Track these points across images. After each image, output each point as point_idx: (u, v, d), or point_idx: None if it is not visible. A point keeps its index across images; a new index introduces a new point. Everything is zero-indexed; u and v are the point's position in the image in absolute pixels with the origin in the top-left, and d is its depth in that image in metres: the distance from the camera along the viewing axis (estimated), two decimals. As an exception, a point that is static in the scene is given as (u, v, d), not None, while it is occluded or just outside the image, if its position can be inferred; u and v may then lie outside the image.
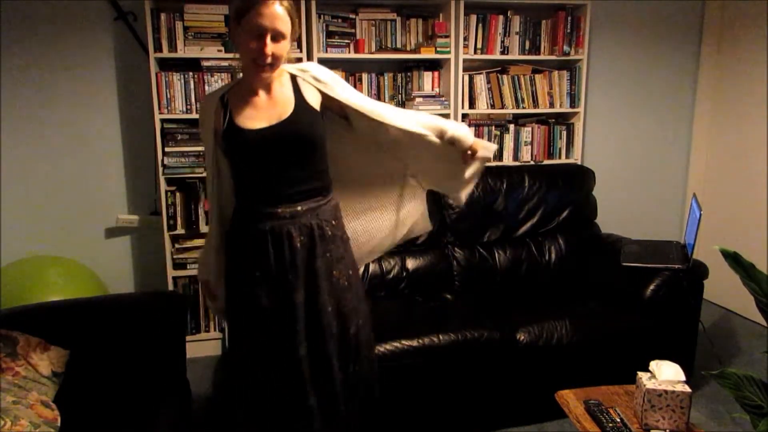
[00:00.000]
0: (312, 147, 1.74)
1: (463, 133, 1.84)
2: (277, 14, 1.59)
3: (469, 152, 1.85)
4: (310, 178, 1.75)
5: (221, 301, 1.89)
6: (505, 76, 3.39)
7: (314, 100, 1.75)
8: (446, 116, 3.31)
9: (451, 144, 1.84)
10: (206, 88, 2.97)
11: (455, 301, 2.80)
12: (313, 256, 1.74)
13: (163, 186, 2.98)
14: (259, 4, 1.57)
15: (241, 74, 1.76)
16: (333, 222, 1.80)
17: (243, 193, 1.77)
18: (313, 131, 1.73)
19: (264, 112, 1.70)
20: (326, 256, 1.77)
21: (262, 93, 1.72)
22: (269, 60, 1.62)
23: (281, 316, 1.73)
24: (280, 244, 1.71)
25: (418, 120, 1.84)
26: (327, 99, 1.77)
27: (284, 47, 1.64)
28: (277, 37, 1.61)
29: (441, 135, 1.83)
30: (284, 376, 1.75)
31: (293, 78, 1.76)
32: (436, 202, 2.97)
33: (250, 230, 1.73)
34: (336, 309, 1.78)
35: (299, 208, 1.73)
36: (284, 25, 1.61)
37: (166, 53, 2.91)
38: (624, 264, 2.69)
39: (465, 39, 3.28)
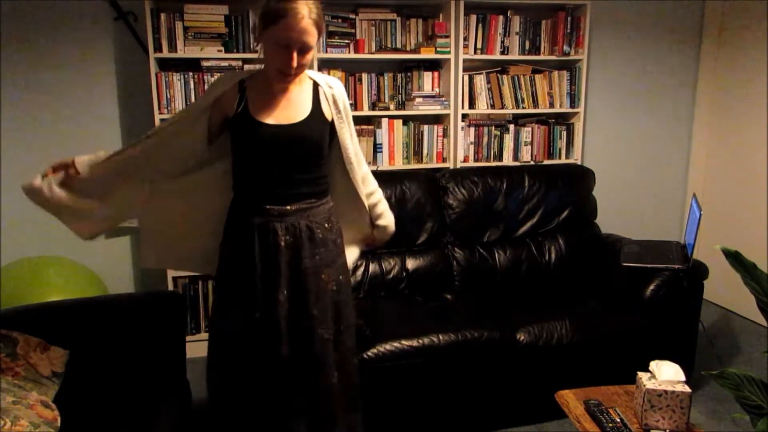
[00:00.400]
0: (317, 154, 1.77)
1: (389, 230, 2.07)
2: (306, 29, 1.59)
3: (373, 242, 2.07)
4: (306, 182, 1.77)
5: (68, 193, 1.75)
6: (505, 76, 3.39)
7: (327, 113, 1.78)
8: (446, 116, 3.32)
9: (373, 226, 2.01)
10: (206, 88, 2.97)
11: (455, 301, 2.80)
12: (299, 256, 1.75)
13: (163, 186, 2.98)
14: (289, 18, 1.57)
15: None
16: (326, 225, 1.81)
17: (240, 184, 1.79)
18: (321, 140, 1.76)
19: (280, 110, 1.72)
20: (315, 259, 1.77)
21: (280, 90, 1.74)
22: (293, 71, 1.64)
23: (264, 314, 1.74)
24: (266, 240, 1.73)
25: (372, 194, 1.98)
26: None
27: (309, 58, 1.66)
28: (304, 49, 1.62)
29: (376, 217, 1.99)
30: (267, 375, 1.76)
31: (315, 85, 1.78)
32: (436, 202, 2.98)
33: (241, 222, 1.76)
34: (322, 314, 1.78)
35: (288, 207, 1.74)
36: (311, 38, 1.62)
37: (166, 53, 2.91)
38: (624, 264, 2.69)
39: (465, 39, 3.28)
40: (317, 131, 1.75)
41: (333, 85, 1.80)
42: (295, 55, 1.60)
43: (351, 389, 1.89)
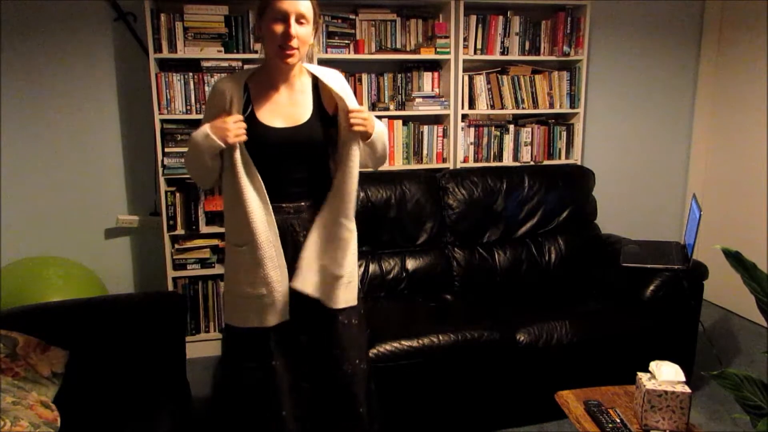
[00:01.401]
0: (323, 151, 1.80)
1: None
2: (301, 2, 1.63)
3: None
4: (315, 178, 1.80)
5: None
6: (504, 77, 3.39)
7: (329, 105, 1.79)
8: (446, 117, 3.32)
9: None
10: (206, 88, 2.97)
11: (455, 302, 2.80)
12: None
13: (162, 186, 2.98)
14: None
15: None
16: None
17: None
18: (327, 138, 1.78)
19: (284, 111, 1.73)
20: None
21: (283, 89, 1.75)
22: (294, 42, 1.64)
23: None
24: (284, 237, 1.75)
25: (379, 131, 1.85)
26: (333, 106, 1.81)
27: (308, 32, 1.68)
28: (300, 19, 1.65)
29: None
30: (283, 368, 1.78)
31: (314, 80, 1.79)
32: (436, 203, 2.98)
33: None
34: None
35: (303, 203, 1.77)
36: (306, 8, 1.65)
37: (166, 54, 2.91)
38: (624, 264, 2.69)
39: (465, 39, 3.28)
40: (322, 129, 1.77)
41: (327, 74, 1.80)
42: (292, 22, 1.62)
43: (368, 380, 1.93)
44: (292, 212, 1.76)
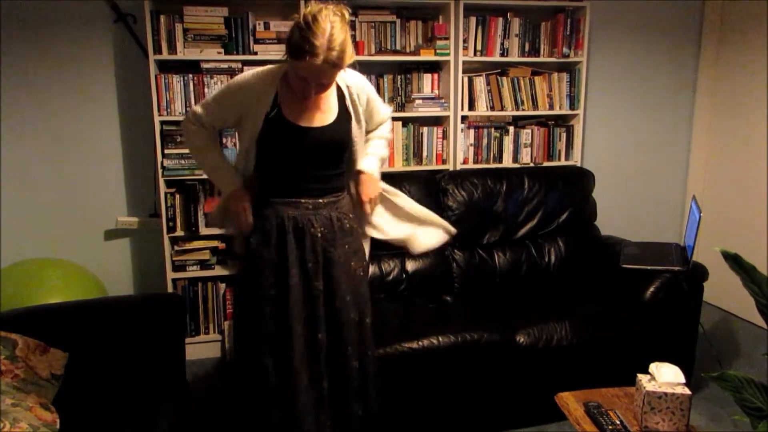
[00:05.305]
0: (345, 152, 1.89)
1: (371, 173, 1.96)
2: (323, 71, 1.66)
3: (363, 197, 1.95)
4: (334, 177, 1.88)
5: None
6: (504, 78, 3.39)
7: (352, 109, 1.87)
8: (446, 118, 3.32)
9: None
10: (206, 90, 2.97)
11: (455, 303, 2.80)
12: (333, 246, 1.85)
13: (162, 188, 2.98)
14: (306, 61, 1.63)
15: None
16: (350, 215, 1.92)
17: (270, 180, 1.86)
18: (349, 140, 1.87)
19: (311, 112, 1.81)
20: (345, 248, 1.88)
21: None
22: (312, 99, 1.75)
23: (301, 302, 1.82)
24: (302, 233, 1.82)
25: (377, 152, 2.01)
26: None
27: (330, 85, 1.75)
28: (321, 87, 1.72)
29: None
30: (299, 362, 1.81)
31: (338, 86, 1.86)
32: (435, 204, 2.97)
33: (273, 216, 1.83)
34: (353, 298, 1.88)
35: (321, 200, 1.85)
36: (329, 77, 1.70)
37: (165, 55, 2.91)
38: (624, 266, 2.68)
39: (464, 41, 3.28)
40: (345, 130, 1.86)
41: (350, 83, 1.88)
42: (313, 86, 1.70)
43: (372, 364, 1.97)
44: (310, 208, 1.83)
